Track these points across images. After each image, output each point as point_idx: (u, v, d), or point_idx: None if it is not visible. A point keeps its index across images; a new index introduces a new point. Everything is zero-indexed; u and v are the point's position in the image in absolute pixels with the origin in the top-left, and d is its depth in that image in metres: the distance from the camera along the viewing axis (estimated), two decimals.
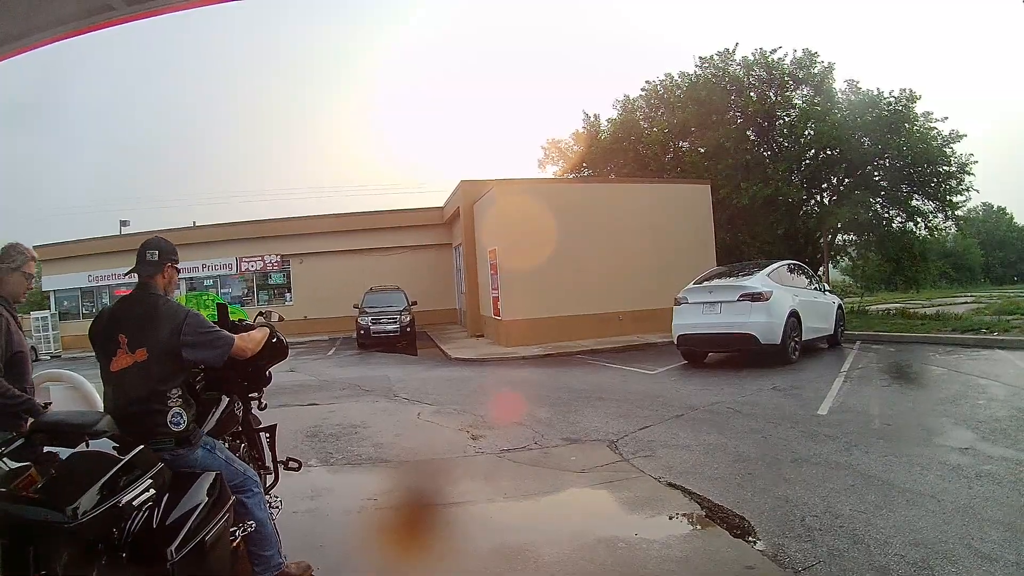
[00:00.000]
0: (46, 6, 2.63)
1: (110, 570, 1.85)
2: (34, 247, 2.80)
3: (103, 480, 1.88)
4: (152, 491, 1.99)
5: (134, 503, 1.92)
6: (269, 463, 3.29)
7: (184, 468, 2.31)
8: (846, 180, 18.36)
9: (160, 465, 2.11)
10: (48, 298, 22.20)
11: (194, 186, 71.78)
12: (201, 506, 2.09)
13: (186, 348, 2.33)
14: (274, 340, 2.89)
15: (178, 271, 2.59)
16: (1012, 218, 49.75)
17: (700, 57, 19.58)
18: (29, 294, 2.88)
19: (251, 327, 2.87)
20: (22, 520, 1.76)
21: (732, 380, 7.81)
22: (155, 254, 2.45)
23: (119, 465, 1.96)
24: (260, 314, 3.12)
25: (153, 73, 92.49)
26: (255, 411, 3.24)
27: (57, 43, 2.89)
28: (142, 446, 2.11)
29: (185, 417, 2.33)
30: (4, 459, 2.02)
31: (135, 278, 2.47)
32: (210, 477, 2.22)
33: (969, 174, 16.93)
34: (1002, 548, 2.87)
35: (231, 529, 2.33)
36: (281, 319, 3.14)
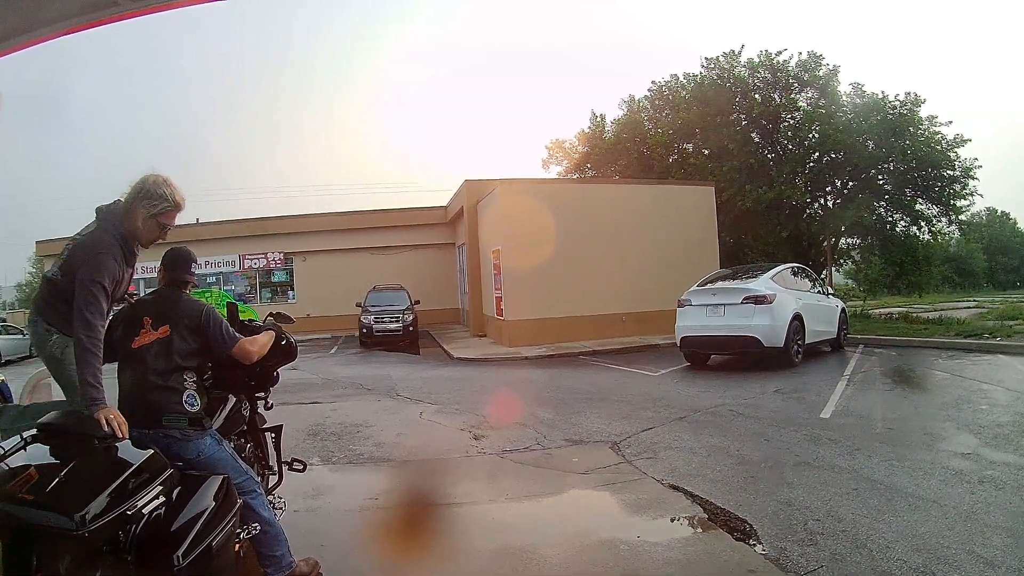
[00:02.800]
0: (50, 1, 2.63)
1: (114, 573, 1.81)
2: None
3: (112, 487, 1.84)
4: (161, 497, 1.96)
5: (143, 510, 1.88)
6: (273, 463, 3.30)
7: (192, 457, 2.32)
8: (850, 183, 18.35)
9: (170, 471, 2.08)
10: None
11: (198, 183, 71.74)
12: (208, 510, 2.06)
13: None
14: (283, 342, 2.89)
15: None
16: (1015, 223, 49.79)
17: (706, 58, 19.68)
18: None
19: (259, 328, 2.88)
20: (25, 523, 1.71)
21: (735, 382, 7.80)
22: (195, 268, 2.64)
23: (129, 471, 1.93)
24: (271, 314, 3.12)
25: (157, 68, 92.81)
26: (261, 411, 3.25)
27: (61, 38, 2.89)
28: (152, 451, 2.09)
29: (199, 400, 2.40)
30: (6, 460, 1.95)
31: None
32: (217, 480, 2.19)
33: (973, 178, 16.98)
34: (1004, 554, 2.86)
35: (236, 531, 2.32)
36: (292, 320, 3.14)
